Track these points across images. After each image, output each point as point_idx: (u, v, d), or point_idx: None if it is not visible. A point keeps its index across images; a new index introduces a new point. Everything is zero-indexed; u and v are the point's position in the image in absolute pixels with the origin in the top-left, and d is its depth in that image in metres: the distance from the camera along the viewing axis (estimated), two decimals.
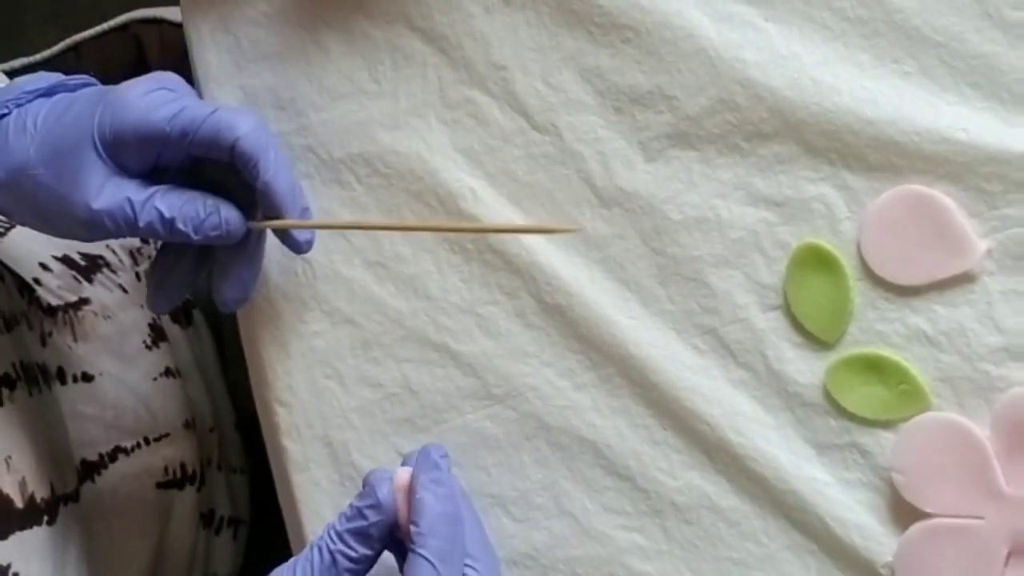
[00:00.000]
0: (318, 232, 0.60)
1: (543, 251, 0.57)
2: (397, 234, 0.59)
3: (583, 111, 0.56)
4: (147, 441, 0.68)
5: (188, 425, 0.72)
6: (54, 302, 0.67)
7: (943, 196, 0.50)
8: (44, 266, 0.68)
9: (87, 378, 0.66)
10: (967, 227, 0.50)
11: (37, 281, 0.67)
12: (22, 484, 0.57)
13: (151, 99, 0.53)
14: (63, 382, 0.65)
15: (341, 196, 0.60)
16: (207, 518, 0.74)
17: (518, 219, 0.57)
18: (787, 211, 0.53)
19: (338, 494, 0.61)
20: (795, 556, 0.54)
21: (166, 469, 0.69)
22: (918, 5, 0.50)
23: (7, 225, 0.69)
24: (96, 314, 0.69)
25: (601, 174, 0.56)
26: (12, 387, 0.58)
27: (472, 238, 0.58)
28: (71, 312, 0.68)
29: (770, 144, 0.53)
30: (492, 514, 0.58)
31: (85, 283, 0.70)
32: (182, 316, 0.78)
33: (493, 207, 0.58)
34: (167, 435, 0.70)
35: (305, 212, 0.57)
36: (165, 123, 0.52)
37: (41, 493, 0.58)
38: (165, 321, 0.76)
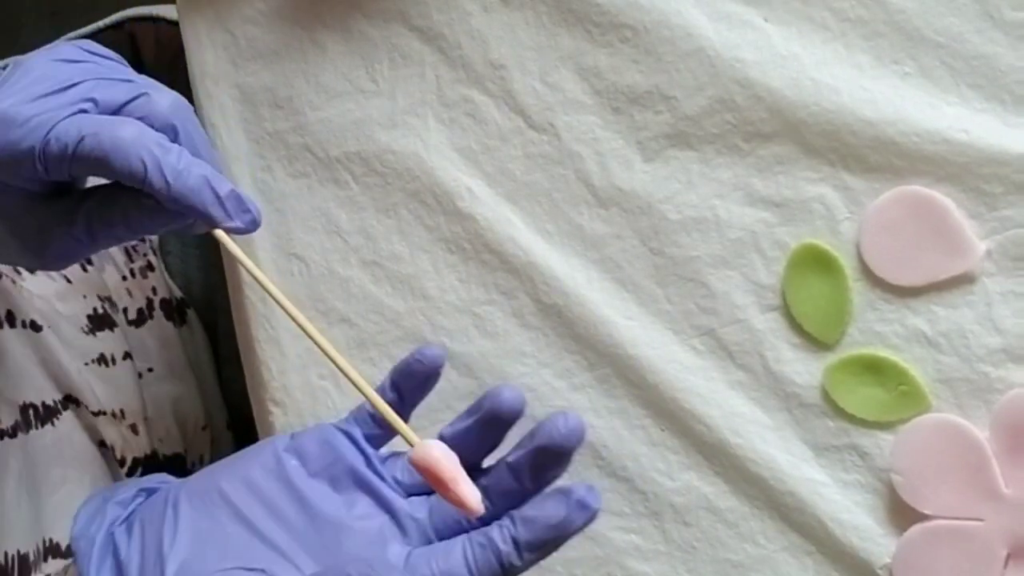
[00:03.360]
0: (316, 231, 0.60)
1: (540, 251, 0.57)
2: (394, 234, 0.59)
3: (581, 111, 0.56)
4: (93, 413, 0.69)
5: (116, 415, 0.71)
6: None
7: (943, 197, 0.50)
8: None
9: (35, 327, 0.66)
10: (967, 228, 0.50)
11: None
12: None
13: (19, 126, 0.48)
14: (11, 325, 0.65)
15: (338, 195, 0.60)
16: None
17: (516, 219, 0.57)
18: (786, 211, 0.53)
19: None
20: (793, 557, 0.53)
21: (102, 443, 0.69)
22: (918, 6, 0.50)
23: None
24: (32, 293, 0.69)
25: (599, 174, 0.56)
26: None
27: (469, 237, 0.58)
28: (8, 278, 0.67)
29: (769, 144, 0.53)
30: None
31: (26, 272, 0.70)
32: (176, 315, 0.78)
33: (490, 206, 0.57)
34: (103, 413, 0.70)
35: (231, 195, 0.49)
36: (33, 159, 0.48)
37: None
38: (157, 318, 0.75)
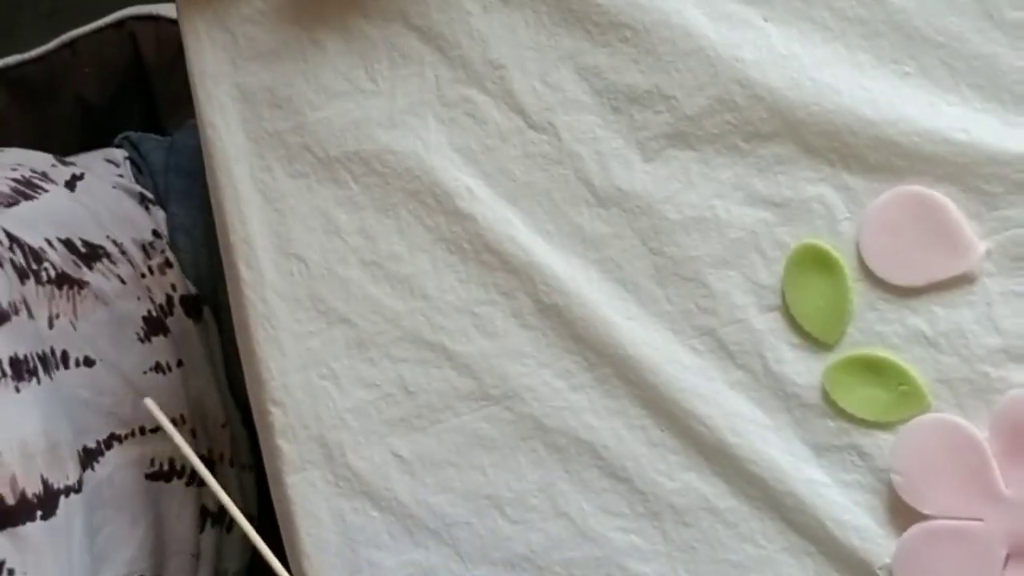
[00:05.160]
0: (316, 231, 0.60)
1: (540, 251, 0.57)
2: (394, 234, 0.59)
3: (581, 110, 0.56)
4: (142, 431, 0.69)
5: (176, 422, 0.72)
6: (58, 270, 0.67)
7: (943, 197, 0.50)
8: (49, 242, 0.69)
9: (88, 362, 0.67)
10: (967, 228, 0.49)
11: (44, 250, 0.68)
12: (12, 481, 0.57)
13: None
14: (66, 366, 0.65)
15: (337, 195, 0.60)
16: (218, 515, 0.74)
17: (516, 219, 0.57)
18: (786, 211, 0.53)
19: (333, 495, 0.61)
20: (793, 558, 0.53)
21: (152, 461, 0.69)
22: (918, 5, 0.50)
23: (12, 199, 0.69)
24: (96, 297, 0.69)
25: (599, 174, 0.56)
26: None
27: (469, 237, 0.58)
28: (75, 288, 0.68)
29: (769, 144, 0.53)
30: (488, 515, 0.58)
31: (85, 268, 0.70)
32: (193, 311, 0.78)
33: (490, 206, 0.57)
34: (158, 428, 0.70)
35: None
36: None
37: (32, 489, 0.58)
38: (178, 315, 0.76)
